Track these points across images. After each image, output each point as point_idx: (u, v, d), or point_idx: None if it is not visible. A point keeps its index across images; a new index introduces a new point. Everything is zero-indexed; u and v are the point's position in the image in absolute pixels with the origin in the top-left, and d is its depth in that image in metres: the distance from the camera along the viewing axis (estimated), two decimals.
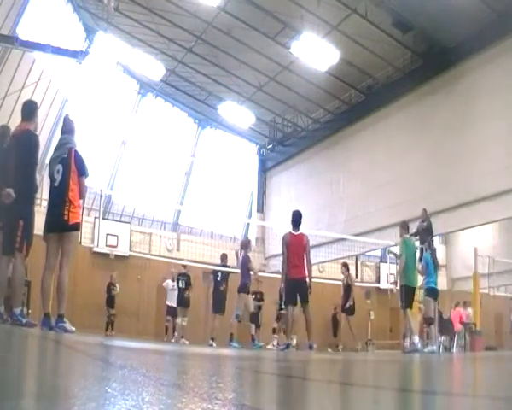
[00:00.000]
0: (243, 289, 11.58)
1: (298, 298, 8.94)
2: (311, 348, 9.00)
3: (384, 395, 2.15)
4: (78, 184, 6.10)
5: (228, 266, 13.29)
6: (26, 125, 6.14)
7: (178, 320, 14.95)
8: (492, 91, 14.27)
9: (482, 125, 14.42)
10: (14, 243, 5.79)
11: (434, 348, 10.60)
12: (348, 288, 13.61)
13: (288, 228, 9.34)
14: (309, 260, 9.13)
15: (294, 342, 10.06)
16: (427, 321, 10.78)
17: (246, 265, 11.62)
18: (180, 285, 15.22)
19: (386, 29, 15.79)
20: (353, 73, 18.34)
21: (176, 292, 15.42)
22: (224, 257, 13.67)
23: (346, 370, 4.56)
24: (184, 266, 15.85)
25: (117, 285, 16.24)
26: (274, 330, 15.17)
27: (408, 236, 10.29)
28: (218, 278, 13.04)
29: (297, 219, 9.28)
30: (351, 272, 14.48)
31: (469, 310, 16.51)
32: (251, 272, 11.89)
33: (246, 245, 11.97)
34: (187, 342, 14.40)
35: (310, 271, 9.15)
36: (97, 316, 16.69)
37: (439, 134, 15.84)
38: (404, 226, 10.23)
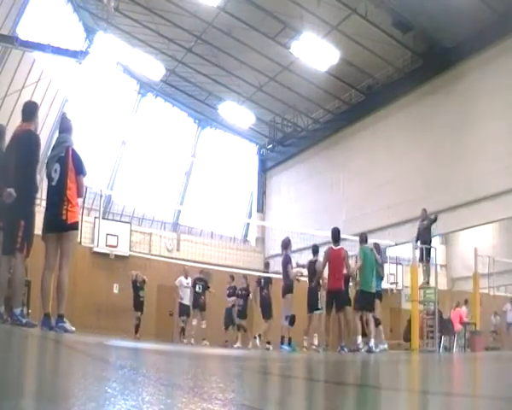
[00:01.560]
0: (289, 290, 11.19)
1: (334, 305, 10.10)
2: (342, 349, 9.88)
3: (387, 395, 2.15)
4: (76, 183, 6.07)
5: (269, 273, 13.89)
6: (27, 125, 6.12)
7: (194, 323, 15.01)
8: (492, 91, 14.27)
9: (482, 126, 14.42)
10: (15, 243, 5.77)
11: (379, 347, 10.64)
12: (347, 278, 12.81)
13: (288, 228, 9.62)
14: (348, 272, 10.33)
15: (316, 341, 10.80)
16: (377, 322, 10.92)
17: (286, 265, 11.32)
18: (197, 290, 15.26)
19: (386, 29, 15.80)
20: (353, 73, 18.34)
21: (189, 290, 15.39)
22: (267, 265, 14.68)
23: (345, 370, 4.56)
24: (201, 270, 15.78)
25: (140, 278, 15.74)
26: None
27: (366, 245, 10.67)
28: (262, 285, 13.47)
29: (335, 235, 10.44)
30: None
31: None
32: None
33: (286, 245, 11.61)
34: (207, 343, 14.35)
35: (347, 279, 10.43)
36: (97, 316, 16.68)
37: (439, 134, 15.85)
38: (363, 237, 10.80)
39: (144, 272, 17.13)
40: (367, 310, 10.22)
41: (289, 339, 11.20)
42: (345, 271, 10.31)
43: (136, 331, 15.29)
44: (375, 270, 10.51)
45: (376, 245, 11.75)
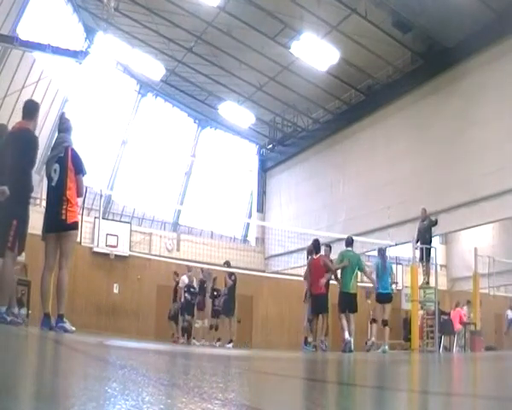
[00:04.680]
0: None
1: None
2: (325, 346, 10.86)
3: (387, 395, 2.15)
4: (76, 183, 6.06)
5: None
6: (25, 123, 6.11)
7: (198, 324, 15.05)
8: (493, 92, 14.26)
9: (482, 126, 14.41)
10: (7, 242, 5.75)
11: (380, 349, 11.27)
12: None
13: (288, 228, 9.96)
14: (329, 275, 11.12)
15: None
16: (384, 323, 11.48)
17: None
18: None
19: (386, 29, 15.78)
20: (353, 73, 18.33)
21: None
22: (228, 263, 15.23)
23: (339, 369, 4.56)
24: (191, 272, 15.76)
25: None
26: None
27: (349, 249, 11.27)
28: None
29: (315, 246, 11.49)
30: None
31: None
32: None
33: (312, 251, 12.08)
34: (196, 342, 14.39)
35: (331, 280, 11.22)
36: (97, 316, 16.70)
37: (439, 134, 15.84)
38: (348, 240, 11.46)
39: (144, 272, 17.15)
40: (349, 311, 10.77)
41: (305, 339, 11.79)
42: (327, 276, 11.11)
43: (189, 336, 15.07)
44: (355, 271, 10.92)
45: (381, 250, 12.08)
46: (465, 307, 16.67)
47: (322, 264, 11.20)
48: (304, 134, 22.05)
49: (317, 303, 11.04)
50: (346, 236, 17.46)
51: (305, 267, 12.40)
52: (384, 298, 11.53)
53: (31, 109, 6.26)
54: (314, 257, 11.43)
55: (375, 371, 4.69)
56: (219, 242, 22.30)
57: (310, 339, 11.43)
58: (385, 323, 11.51)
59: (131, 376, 2.05)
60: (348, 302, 10.78)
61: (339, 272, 11.18)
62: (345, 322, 10.61)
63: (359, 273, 11.48)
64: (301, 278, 12.39)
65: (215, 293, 15.17)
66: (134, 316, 17.68)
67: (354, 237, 17.46)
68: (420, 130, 16.59)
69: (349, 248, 11.28)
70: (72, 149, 6.17)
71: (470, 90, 14.94)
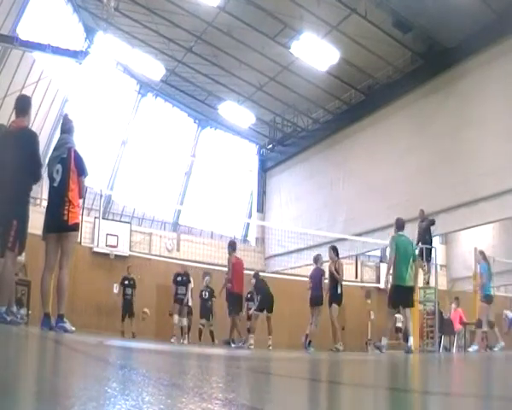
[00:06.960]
0: (320, 302, 12.11)
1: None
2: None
3: (380, 395, 2.15)
4: (78, 184, 6.07)
5: None
6: (21, 121, 6.07)
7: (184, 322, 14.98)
8: (493, 91, 14.26)
9: (482, 125, 14.42)
10: (7, 242, 5.74)
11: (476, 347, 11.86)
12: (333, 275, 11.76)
13: (288, 228, 10.06)
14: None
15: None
16: (491, 324, 12.12)
17: (319, 278, 12.30)
18: (203, 296, 15.38)
19: (386, 29, 15.79)
20: (353, 73, 18.33)
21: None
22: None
23: (337, 369, 4.56)
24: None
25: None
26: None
27: (400, 233, 9.78)
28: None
29: (232, 245, 12.81)
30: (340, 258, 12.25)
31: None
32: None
33: (317, 260, 12.69)
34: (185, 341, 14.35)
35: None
36: (97, 316, 16.68)
37: (439, 134, 15.84)
38: (399, 224, 9.86)
39: (144, 272, 17.11)
40: (404, 306, 9.54)
41: (309, 341, 12.10)
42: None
43: (200, 337, 15.01)
44: (411, 261, 9.48)
45: (481, 252, 13.00)
46: (453, 305, 16.71)
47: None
48: (304, 134, 22.05)
49: (236, 302, 12.00)
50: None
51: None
52: (492, 299, 12.32)
53: (24, 105, 6.21)
54: (236, 256, 12.74)
55: (376, 371, 4.69)
56: (219, 242, 22.26)
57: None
58: (492, 324, 12.26)
59: (131, 376, 2.05)
60: (404, 297, 9.35)
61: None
62: (391, 323, 9.81)
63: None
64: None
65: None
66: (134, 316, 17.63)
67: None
68: (420, 130, 16.60)
69: (401, 233, 9.74)
70: (75, 151, 6.17)
71: (470, 90, 14.94)
